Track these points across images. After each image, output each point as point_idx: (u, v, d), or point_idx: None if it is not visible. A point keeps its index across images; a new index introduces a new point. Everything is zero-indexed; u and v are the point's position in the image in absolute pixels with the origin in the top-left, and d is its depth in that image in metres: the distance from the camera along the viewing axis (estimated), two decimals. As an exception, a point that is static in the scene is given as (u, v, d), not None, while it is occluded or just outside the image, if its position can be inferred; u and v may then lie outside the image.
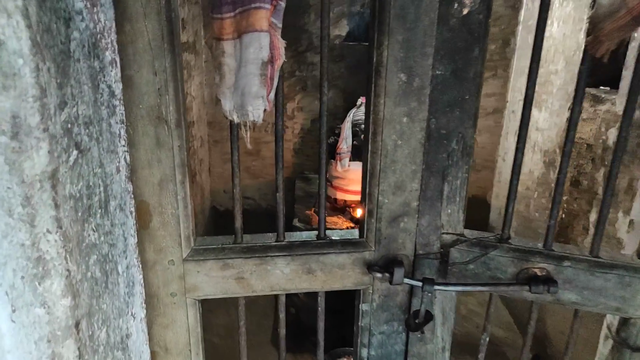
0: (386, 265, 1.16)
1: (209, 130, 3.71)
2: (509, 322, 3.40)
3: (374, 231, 1.14)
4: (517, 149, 1.11)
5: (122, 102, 0.92)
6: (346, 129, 3.18)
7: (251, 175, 3.86)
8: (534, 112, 3.07)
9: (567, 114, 2.75)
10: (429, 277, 1.13)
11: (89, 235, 0.77)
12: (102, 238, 0.82)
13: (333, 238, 1.17)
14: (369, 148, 1.09)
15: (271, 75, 0.91)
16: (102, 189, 0.82)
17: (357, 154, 3.17)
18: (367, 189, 1.12)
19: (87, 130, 0.76)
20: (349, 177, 3.07)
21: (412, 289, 1.22)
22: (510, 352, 3.12)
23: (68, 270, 0.70)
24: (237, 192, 1.10)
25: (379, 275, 1.11)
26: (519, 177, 1.15)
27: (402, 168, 1.09)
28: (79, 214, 0.73)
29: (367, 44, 3.58)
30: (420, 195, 1.13)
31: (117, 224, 0.90)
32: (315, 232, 1.18)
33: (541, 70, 3.04)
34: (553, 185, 2.92)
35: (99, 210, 0.81)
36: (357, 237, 1.18)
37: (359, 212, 2.91)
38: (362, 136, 3.22)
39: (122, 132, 0.92)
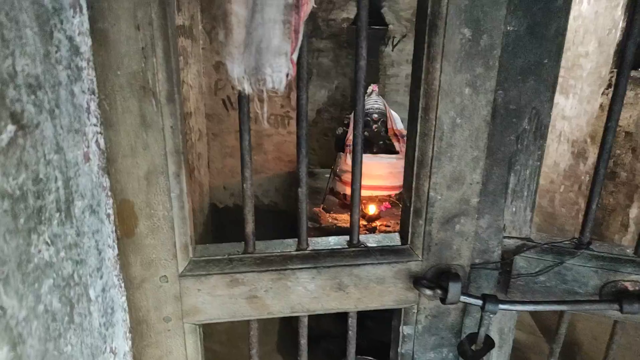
0: (437, 278, 0.92)
1: (207, 123, 3.46)
2: (531, 324, 3.17)
3: (421, 235, 0.89)
4: (606, 128, 0.87)
5: (91, 64, 0.67)
6: (356, 119, 2.93)
7: (252, 170, 3.60)
8: (560, 99, 2.83)
9: (600, 100, 2.52)
10: (490, 294, 0.89)
11: (40, 251, 0.52)
12: (62, 254, 0.58)
13: (369, 245, 0.92)
14: (417, 129, 0.84)
15: (296, 26, 0.67)
16: (60, 183, 0.57)
17: (369, 145, 2.93)
18: (414, 182, 0.88)
19: (33, 97, 0.51)
20: (360, 171, 2.83)
21: (465, 307, 0.98)
22: (534, 357, 2.90)
23: (1, 307, 0.46)
24: (247, 187, 0.85)
25: (428, 292, 0.87)
26: (607, 164, 0.90)
27: (461, 154, 0.84)
28: (20, 221, 0.48)
29: (377, 27, 3.31)
30: (481, 189, 0.88)
31: (87, 232, 0.65)
32: (346, 238, 0.94)
33: (568, 54, 2.80)
34: (583, 178, 2.68)
35: (57, 215, 0.56)
36: (400, 243, 0.94)
37: (371, 209, 2.67)
38: (374, 127, 2.98)
39: (93, 105, 0.67)
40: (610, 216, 2.41)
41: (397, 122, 2.96)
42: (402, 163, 2.91)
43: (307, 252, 0.90)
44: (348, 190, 2.88)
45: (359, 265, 0.89)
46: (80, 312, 0.63)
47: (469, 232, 0.90)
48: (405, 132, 2.97)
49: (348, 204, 2.88)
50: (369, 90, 3.10)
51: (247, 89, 0.70)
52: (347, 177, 2.87)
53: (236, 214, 3.61)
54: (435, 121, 0.81)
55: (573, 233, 2.84)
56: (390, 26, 3.32)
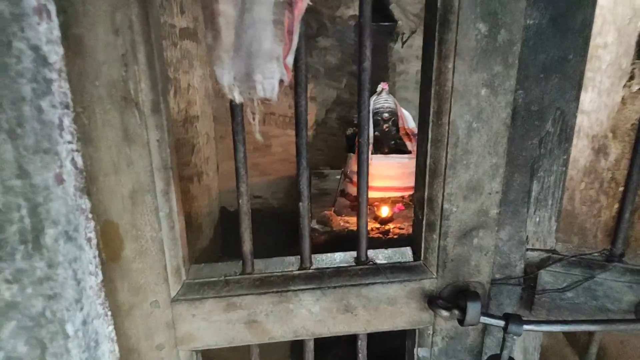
0: (454, 297, 0.84)
1: (215, 126, 3.40)
2: (551, 327, 3.06)
3: (436, 251, 0.82)
4: (641, 129, 0.78)
5: (64, 75, 0.60)
6: (365, 119, 2.85)
7: (260, 172, 3.54)
8: (578, 93, 2.71)
9: (621, 93, 2.40)
10: (513, 314, 0.81)
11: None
12: (29, 290, 0.51)
13: (379, 262, 0.84)
14: (429, 135, 0.76)
15: (290, 26, 0.59)
16: (25, 212, 0.51)
17: (379, 146, 2.85)
18: (426, 193, 0.80)
19: (-16, 117, 0.44)
20: (371, 172, 2.73)
21: (486, 326, 0.89)
22: (557, 362, 2.79)
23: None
24: (243, 202, 0.78)
25: (444, 313, 0.79)
26: (642, 169, 0.81)
27: (479, 161, 0.76)
28: (-30, 260, 0.42)
29: (385, 23, 3.20)
30: (500, 199, 0.80)
31: (62, 262, 0.58)
32: (353, 254, 0.86)
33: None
34: (605, 175, 2.57)
35: (21, 248, 0.50)
36: (412, 259, 0.86)
37: (384, 211, 2.58)
38: (385, 126, 2.89)
39: (66, 121, 0.60)
40: (635, 214, 2.29)
41: (409, 120, 2.87)
42: (414, 163, 2.83)
43: (310, 271, 0.82)
44: (359, 192, 2.79)
45: (367, 284, 0.81)
46: (55, 352, 0.56)
47: (489, 246, 0.82)
48: (417, 131, 2.87)
49: (359, 206, 2.80)
50: (378, 89, 3.01)
51: (237, 98, 0.63)
52: (358, 178, 2.78)
53: (246, 217, 3.55)
54: (449, 126, 0.73)
55: (595, 233, 2.72)
56: (399, 22, 3.22)
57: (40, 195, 0.54)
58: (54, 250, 0.56)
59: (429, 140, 0.76)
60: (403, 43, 3.26)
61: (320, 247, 2.53)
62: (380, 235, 2.45)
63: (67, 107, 0.60)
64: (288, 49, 0.60)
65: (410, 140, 2.83)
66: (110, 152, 0.68)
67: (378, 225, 2.54)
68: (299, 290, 0.80)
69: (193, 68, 2.90)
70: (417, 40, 3.25)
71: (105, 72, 0.65)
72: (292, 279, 0.81)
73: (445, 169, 0.76)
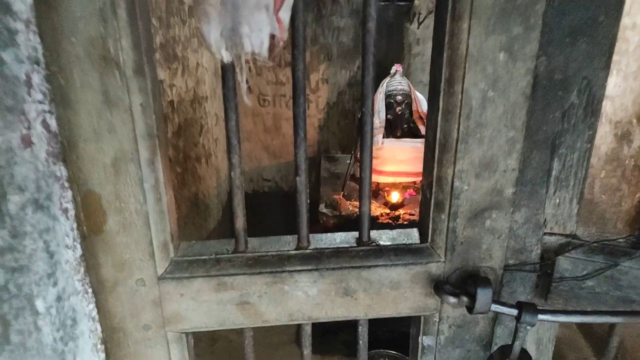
0: (462, 282, 0.77)
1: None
2: (565, 319, 2.98)
3: (444, 233, 0.75)
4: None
5: (33, 27, 0.54)
6: (379, 101, 2.77)
7: (270, 155, 3.49)
8: (602, 77, 2.58)
9: (648, 76, 2.28)
10: (527, 302, 0.74)
11: (-53, 260, 0.41)
12: (-13, 261, 0.46)
13: (382, 243, 0.78)
14: (439, 105, 0.69)
15: (282, -26, 0.52)
16: (-18, 174, 0.46)
17: (392, 129, 2.77)
18: (435, 170, 0.73)
19: None
20: (383, 156, 2.67)
21: (497, 314, 0.83)
22: (570, 353, 2.72)
23: None
24: (236, 175, 0.72)
25: (452, 299, 0.73)
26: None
27: (494, 136, 0.69)
28: None
29: (401, 2, 3.09)
30: (517, 177, 0.73)
31: (30, 232, 0.53)
32: (355, 234, 0.80)
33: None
34: (627, 162, 2.46)
35: (-23, 213, 0.45)
36: (418, 241, 0.80)
37: (394, 196, 2.51)
38: (398, 109, 2.80)
39: (37, 78, 0.55)
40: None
41: (423, 103, 2.78)
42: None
43: (308, 251, 0.77)
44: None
45: (369, 267, 0.75)
46: (21, 329, 0.52)
47: (502, 228, 0.75)
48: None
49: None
50: (392, 71, 2.92)
51: (225, 55, 0.57)
52: (369, 162, 2.72)
53: (254, 199, 3.52)
54: (462, 95, 0.66)
55: (614, 223, 2.62)
56: (416, 1, 3.11)
57: (2, 157, 0.49)
58: (18, 218, 0.51)
59: (440, 111, 0.69)
60: (419, 23, 3.15)
61: (329, 231, 2.48)
62: (390, 221, 2.39)
63: (36, 62, 0.55)
64: (281, 0, 0.54)
65: (423, 124, 2.74)
66: (90, 117, 0.63)
67: (388, 211, 2.48)
68: (294, 271, 0.74)
69: (202, 46, 2.84)
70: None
71: (82, 28, 0.59)
72: (288, 258, 0.76)
73: (456, 143, 0.69)
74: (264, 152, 3.43)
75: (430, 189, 0.75)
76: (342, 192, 2.71)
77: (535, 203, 0.77)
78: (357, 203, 2.56)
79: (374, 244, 0.78)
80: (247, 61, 0.55)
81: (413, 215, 2.43)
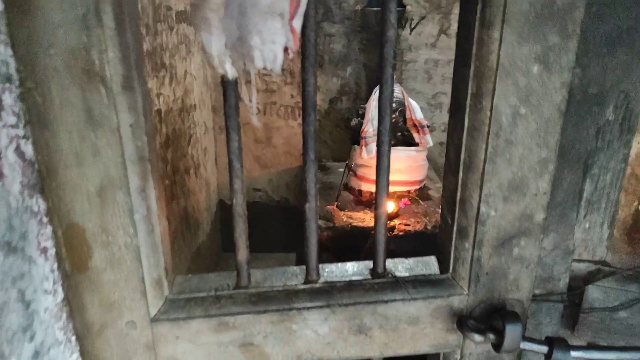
0: (487, 316, 0.70)
1: (213, 116, 3.26)
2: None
3: (468, 262, 0.68)
4: None
5: (3, 37, 0.46)
6: (372, 109, 2.70)
7: (261, 165, 3.40)
8: None
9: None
10: (558, 338, 0.67)
11: None
12: (-56, 323, 0.38)
13: (398, 274, 0.71)
14: (465, 122, 0.63)
15: (297, -24, 0.45)
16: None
17: (386, 138, 2.70)
18: (458, 193, 0.66)
19: None
20: (376, 165, 2.61)
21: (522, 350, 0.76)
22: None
23: None
24: (238, 203, 0.64)
25: (477, 337, 0.66)
26: None
27: (525, 155, 0.62)
28: None
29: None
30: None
31: (1, 280, 0.45)
32: (368, 264, 0.73)
33: None
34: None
35: None
36: (438, 271, 0.73)
37: (389, 206, 2.45)
38: (392, 117, 2.75)
39: (9, 99, 0.47)
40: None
41: (417, 111, 2.73)
42: (422, 156, 2.68)
43: (317, 285, 0.69)
44: (364, 186, 2.68)
45: (385, 301, 0.68)
46: (-11, 399, 0.43)
47: (532, 257, 0.68)
48: (425, 122, 2.74)
49: (364, 201, 2.67)
50: (385, 78, 2.86)
51: (230, 71, 0.49)
52: (363, 171, 2.66)
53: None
54: (491, 111, 0.60)
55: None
56: (408, 7, 3.07)
57: (-37, 194, 0.40)
58: (-15, 266, 0.43)
59: (465, 128, 0.63)
60: (412, 30, 3.11)
61: (323, 244, 2.40)
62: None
63: (8, 80, 0.47)
64: (295, 7, 0.46)
65: (417, 132, 2.69)
66: (71, 139, 0.55)
67: (384, 222, 2.41)
68: (303, 308, 0.67)
69: (191, 54, 2.75)
70: (427, 27, 3.10)
71: (62, 37, 0.51)
72: (296, 294, 0.68)
73: (483, 164, 0.62)
74: (254, 162, 3.34)
75: (452, 214, 0.68)
76: (335, 203, 2.64)
77: (564, 228, 0.71)
78: (351, 214, 2.49)
79: (390, 275, 0.71)
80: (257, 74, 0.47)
81: (408, 225, 2.37)
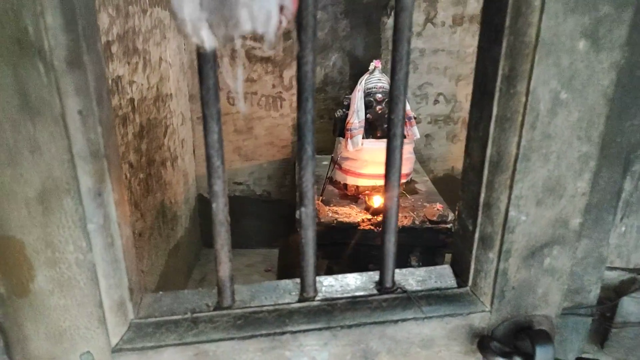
0: (512, 336, 0.61)
1: (191, 106, 3.10)
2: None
3: (491, 275, 0.58)
4: None
5: None
6: (357, 100, 2.60)
7: (242, 157, 3.26)
8: None
9: None
10: (591, 359, 0.58)
11: None
12: None
13: (409, 289, 0.61)
14: (492, 111, 0.52)
15: None
16: None
17: (372, 130, 2.60)
18: (482, 196, 0.56)
19: None
20: (362, 158, 2.51)
21: (545, 370, 0.67)
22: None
23: None
24: (219, 207, 0.52)
25: (504, 361, 0.56)
26: None
27: (563, 150, 0.52)
28: None
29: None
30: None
31: None
32: (374, 277, 0.62)
33: None
34: None
35: None
36: (455, 284, 0.62)
37: (376, 201, 2.35)
38: (378, 108, 2.64)
39: None
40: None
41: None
42: (409, 148, 2.58)
43: (315, 303, 0.58)
44: (349, 180, 2.58)
45: (395, 322, 0.58)
46: None
47: (564, 267, 0.59)
48: (412, 114, 2.64)
49: (350, 195, 2.57)
50: (371, 67, 2.75)
51: (207, 39, 0.37)
52: (348, 164, 2.56)
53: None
54: (527, 97, 0.49)
55: None
56: (394, -6, 2.96)
57: None
58: None
59: (492, 118, 0.52)
60: (398, 17, 3.00)
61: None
62: (373, 228, 2.23)
63: None
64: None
65: (405, 124, 2.60)
66: (1, 131, 0.42)
67: (370, 217, 2.32)
68: (299, 331, 0.56)
69: (166, 40, 2.59)
70: (414, 15, 2.99)
71: (-16, -6, 0.38)
72: (290, 315, 0.57)
73: (515, 161, 0.52)
74: (234, 154, 3.20)
75: (474, 219, 0.58)
76: (320, 197, 2.53)
77: (599, 233, 0.61)
78: (336, 209, 2.39)
79: (399, 290, 0.60)
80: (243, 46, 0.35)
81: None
